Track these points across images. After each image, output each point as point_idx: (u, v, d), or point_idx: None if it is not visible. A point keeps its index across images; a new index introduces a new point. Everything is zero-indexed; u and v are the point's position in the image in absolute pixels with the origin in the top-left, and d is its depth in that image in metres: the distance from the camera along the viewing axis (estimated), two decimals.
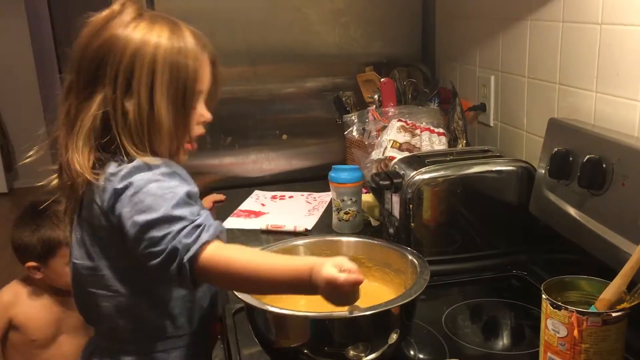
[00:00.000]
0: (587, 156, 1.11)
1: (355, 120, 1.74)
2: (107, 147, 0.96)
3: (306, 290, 0.88)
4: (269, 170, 1.99)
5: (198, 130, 1.06)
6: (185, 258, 0.87)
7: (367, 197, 1.63)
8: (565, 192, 1.19)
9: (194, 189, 0.98)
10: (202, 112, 1.04)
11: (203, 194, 1.88)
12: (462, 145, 1.58)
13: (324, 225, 1.61)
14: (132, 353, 1.05)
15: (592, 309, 0.93)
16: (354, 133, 1.72)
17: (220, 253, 0.89)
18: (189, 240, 0.88)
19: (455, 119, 1.61)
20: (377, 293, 1.11)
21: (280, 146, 1.99)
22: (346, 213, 1.53)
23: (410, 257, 1.08)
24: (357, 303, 0.89)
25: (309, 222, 1.62)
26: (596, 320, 0.89)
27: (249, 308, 0.97)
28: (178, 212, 0.90)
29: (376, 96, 1.81)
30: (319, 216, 1.68)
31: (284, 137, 1.98)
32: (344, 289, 0.83)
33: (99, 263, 1.00)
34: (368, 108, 1.78)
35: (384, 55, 1.98)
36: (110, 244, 0.98)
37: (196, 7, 1.82)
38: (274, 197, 1.85)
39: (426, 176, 1.31)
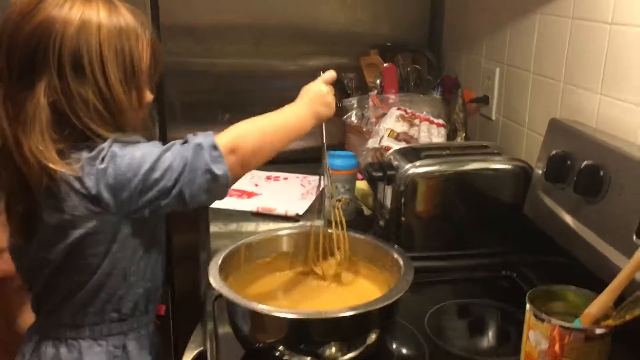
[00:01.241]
0: (585, 162, 1.08)
1: (355, 105, 1.71)
2: (70, 136, 0.92)
3: (307, 119, 1.10)
4: None
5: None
6: (208, 143, 0.95)
7: (362, 185, 1.61)
8: (560, 197, 1.16)
9: None
10: (145, 92, 1.02)
11: None
12: (461, 138, 1.54)
13: (317, 211, 1.58)
14: (86, 338, 1.02)
15: (576, 323, 0.91)
16: (353, 118, 1.69)
17: (233, 130, 1.00)
18: (198, 140, 0.95)
19: (457, 111, 1.57)
20: (360, 290, 1.09)
21: None
22: (339, 200, 1.51)
23: (395, 255, 1.06)
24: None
25: (301, 207, 1.60)
26: (579, 336, 0.87)
27: (228, 301, 0.95)
28: (165, 149, 0.94)
29: (378, 81, 1.77)
30: (311, 200, 1.65)
31: None
32: (324, 89, 1.11)
33: (62, 253, 0.96)
34: (369, 93, 1.74)
35: (390, 38, 1.93)
36: (96, 229, 0.94)
37: None
38: (268, 178, 1.82)
39: (420, 170, 1.28)
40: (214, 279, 0.96)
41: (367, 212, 1.57)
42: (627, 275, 0.88)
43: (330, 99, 1.12)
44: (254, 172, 1.85)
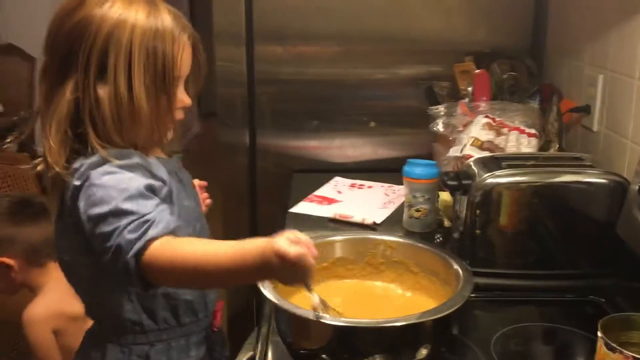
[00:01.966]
0: None
1: (442, 113, 1.63)
2: (82, 138, 0.92)
3: (261, 273, 0.82)
4: (353, 157, 1.94)
5: (178, 115, 1.00)
6: (129, 255, 0.81)
7: (446, 196, 1.53)
8: None
9: (155, 182, 0.92)
10: (181, 97, 0.99)
11: (283, 176, 1.89)
12: (555, 150, 1.42)
13: (396, 220, 1.53)
14: (115, 343, 1.03)
15: None
16: (439, 126, 1.62)
17: (164, 247, 0.82)
18: (133, 236, 0.82)
19: (551, 120, 1.45)
20: (417, 303, 1.03)
21: (367, 133, 1.92)
22: (417, 210, 1.44)
23: (455, 266, 0.99)
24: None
25: (381, 215, 1.55)
26: None
27: (273, 305, 0.93)
28: (127, 205, 0.85)
29: (470, 89, 1.68)
30: (393, 210, 1.60)
31: (372, 124, 1.91)
32: (294, 263, 0.77)
33: (76, 258, 0.99)
34: (460, 101, 1.66)
35: (488, 45, 1.83)
36: (80, 241, 0.93)
37: None
38: (352, 186, 1.79)
39: (498, 180, 1.19)
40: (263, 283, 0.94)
41: (447, 224, 1.49)
42: None
43: (298, 272, 0.80)
44: (338, 179, 1.83)
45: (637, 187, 1.10)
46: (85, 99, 0.91)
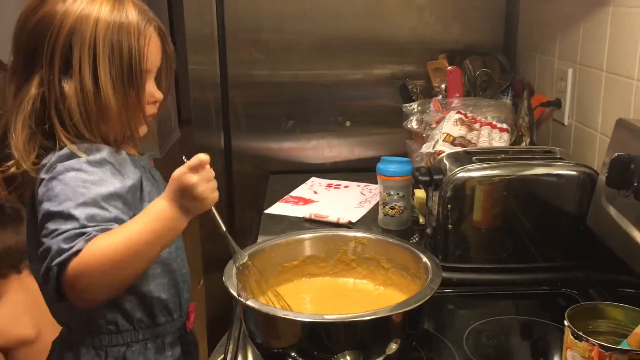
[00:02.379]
0: None
1: (416, 110, 1.63)
2: (51, 134, 0.91)
3: (172, 216, 0.86)
4: (330, 157, 1.93)
5: (150, 109, 1.00)
6: (54, 262, 0.80)
7: (421, 193, 1.53)
8: (624, 205, 1.03)
9: (123, 188, 0.91)
10: (151, 91, 0.98)
11: (259, 178, 1.88)
12: (526, 144, 1.43)
13: (372, 219, 1.53)
14: (89, 346, 1.01)
15: (623, 344, 0.79)
16: (413, 124, 1.62)
17: (89, 247, 0.81)
18: (64, 245, 0.81)
19: (522, 115, 1.46)
20: (388, 298, 1.02)
21: (343, 133, 1.92)
22: (392, 208, 1.44)
23: (424, 259, 0.98)
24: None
25: (356, 215, 1.55)
26: (621, 358, 0.76)
27: (241, 304, 0.92)
28: (77, 211, 0.84)
29: (443, 85, 1.68)
30: (368, 209, 1.59)
31: (347, 123, 1.91)
32: (189, 180, 0.84)
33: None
34: (433, 98, 1.66)
35: (462, 43, 1.84)
36: None
37: None
38: (329, 186, 1.79)
39: (469, 174, 1.19)
40: (229, 280, 0.93)
41: (423, 221, 1.48)
42: None
43: (201, 190, 0.87)
44: (314, 179, 1.83)
45: (604, 178, 1.10)
46: (51, 94, 0.90)
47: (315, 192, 1.73)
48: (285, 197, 1.69)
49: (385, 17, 1.83)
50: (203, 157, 0.86)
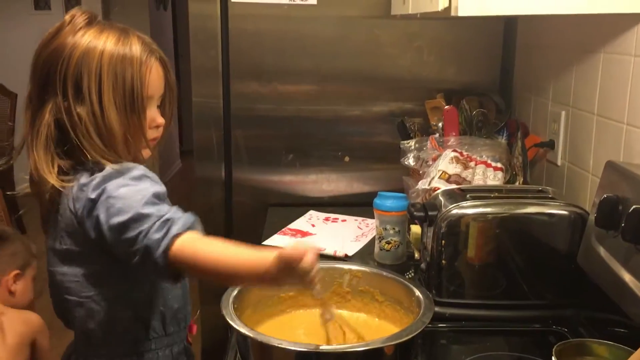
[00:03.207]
0: (634, 206, 0.98)
1: (413, 148, 1.67)
2: (71, 154, 0.99)
3: (270, 277, 0.87)
4: (328, 191, 1.97)
5: (152, 134, 1.07)
6: (157, 254, 0.89)
7: (417, 229, 1.55)
8: (613, 245, 1.06)
9: (162, 189, 0.99)
10: (153, 116, 1.05)
11: (259, 210, 1.91)
12: (520, 183, 1.46)
13: (368, 253, 1.56)
14: (104, 356, 1.06)
15: None
16: (410, 160, 1.65)
17: (188, 245, 0.90)
18: (159, 235, 0.89)
19: (516, 155, 1.49)
20: (382, 331, 1.04)
21: (342, 168, 1.96)
22: (388, 243, 1.47)
23: (417, 293, 1.01)
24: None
25: (353, 248, 1.57)
26: None
27: (236, 332, 0.94)
28: (146, 210, 0.92)
29: (440, 124, 1.73)
30: (365, 243, 1.62)
31: (346, 159, 1.95)
32: (289, 259, 0.83)
33: (73, 269, 1.02)
34: (430, 136, 1.70)
35: (458, 83, 1.89)
36: (84, 250, 1.00)
37: (266, 27, 1.85)
38: (326, 219, 1.81)
39: (463, 211, 1.22)
40: (225, 308, 0.95)
41: (418, 256, 1.51)
42: None
43: (306, 279, 0.87)
44: (313, 212, 1.85)
45: (594, 219, 1.13)
46: (71, 119, 0.97)
47: (313, 225, 1.76)
48: (283, 230, 1.71)
49: (385, 56, 1.88)
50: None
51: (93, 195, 0.95)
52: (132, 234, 0.91)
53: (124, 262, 0.94)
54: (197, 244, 0.91)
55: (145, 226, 0.90)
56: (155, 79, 1.03)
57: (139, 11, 5.00)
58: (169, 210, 0.93)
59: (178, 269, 0.91)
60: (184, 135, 5.75)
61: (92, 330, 1.05)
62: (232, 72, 1.86)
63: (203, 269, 0.91)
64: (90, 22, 1.00)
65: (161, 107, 1.08)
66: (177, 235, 0.89)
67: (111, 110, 0.98)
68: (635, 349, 0.84)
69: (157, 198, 0.95)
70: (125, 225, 0.91)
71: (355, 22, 1.86)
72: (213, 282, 0.96)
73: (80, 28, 0.99)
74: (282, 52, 1.87)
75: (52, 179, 0.96)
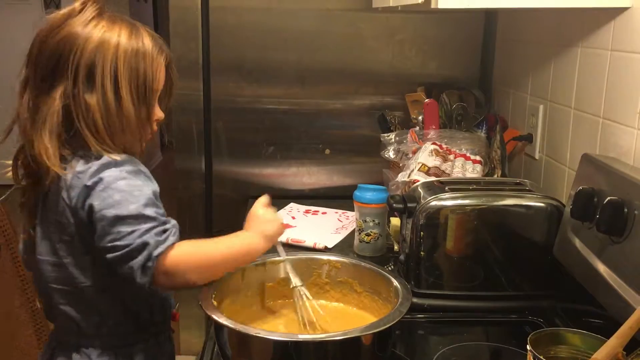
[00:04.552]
0: (609, 198, 1.00)
1: (393, 140, 1.68)
2: (72, 143, 0.99)
3: (255, 245, 1.03)
4: (308, 184, 1.97)
5: (155, 127, 1.09)
6: (155, 252, 0.91)
7: (397, 221, 1.56)
8: (587, 236, 1.08)
9: (157, 187, 1.00)
10: (156, 111, 1.07)
11: (239, 202, 1.90)
12: (498, 176, 1.48)
13: (348, 245, 1.56)
14: (97, 347, 1.05)
15: None
16: (390, 153, 1.66)
17: (182, 251, 0.94)
18: (160, 238, 0.92)
19: (495, 148, 1.51)
20: (360, 321, 1.05)
21: (323, 161, 1.96)
22: (367, 235, 1.47)
23: (395, 283, 1.01)
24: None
25: (332, 240, 1.58)
26: None
27: (214, 322, 0.94)
28: (148, 211, 0.94)
29: (420, 117, 1.74)
30: (345, 235, 1.63)
31: (327, 151, 1.95)
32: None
33: (65, 259, 1.01)
34: (410, 129, 1.71)
35: (439, 77, 1.91)
36: (77, 240, 0.99)
37: (247, 19, 1.84)
38: (307, 212, 1.82)
39: (442, 203, 1.23)
40: (204, 300, 0.95)
41: (397, 248, 1.52)
42: (638, 319, 0.80)
43: (273, 217, 1.10)
44: (293, 205, 1.85)
45: (569, 210, 1.15)
46: (76, 106, 0.97)
47: (294, 218, 1.76)
48: None
49: (366, 50, 1.89)
50: (268, 197, 1.14)
51: (89, 182, 0.95)
52: (127, 229, 0.91)
53: (99, 253, 0.94)
54: (189, 247, 0.96)
55: (144, 226, 0.92)
56: (162, 74, 1.05)
57: (118, 2, 4.94)
58: (169, 220, 0.96)
59: (164, 274, 0.92)
60: (165, 128, 5.72)
61: (80, 322, 1.04)
62: (212, 64, 1.85)
63: (202, 267, 0.97)
64: (101, 13, 1.00)
65: (160, 102, 1.09)
66: (173, 245, 0.93)
67: (128, 98, 0.98)
68: (579, 332, 0.86)
69: (155, 198, 0.97)
70: (121, 219, 0.92)
71: (336, 15, 1.86)
72: (201, 280, 0.99)
73: (93, 18, 0.99)
74: (263, 44, 1.87)
75: (56, 167, 0.95)
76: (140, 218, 0.92)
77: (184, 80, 1.86)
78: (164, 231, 0.93)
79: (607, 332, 0.84)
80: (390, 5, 1.50)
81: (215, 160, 1.92)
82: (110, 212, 0.92)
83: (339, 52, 1.88)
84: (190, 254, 0.96)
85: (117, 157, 0.97)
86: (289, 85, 1.90)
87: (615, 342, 0.81)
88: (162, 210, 0.96)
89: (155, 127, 1.08)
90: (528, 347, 0.85)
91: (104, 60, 0.97)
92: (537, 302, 1.24)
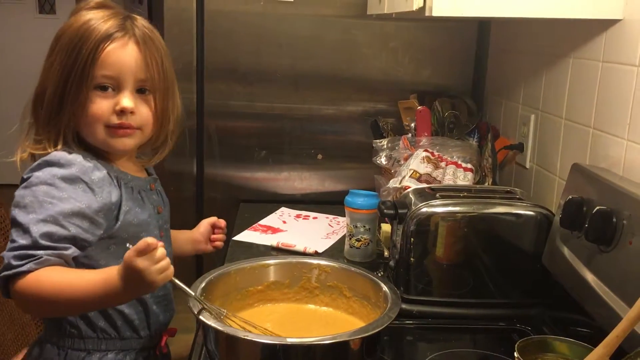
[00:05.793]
0: (598, 207, 1.00)
1: (385, 147, 1.69)
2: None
3: (116, 289, 0.88)
4: (300, 189, 1.97)
5: (113, 119, 1.01)
6: (3, 274, 0.89)
7: (387, 227, 1.57)
8: (576, 245, 1.08)
9: (89, 203, 0.95)
10: (116, 100, 1.00)
11: (230, 205, 1.90)
12: (489, 184, 1.48)
13: (338, 250, 1.56)
14: (55, 345, 1.05)
15: None
16: (382, 160, 1.67)
17: (31, 283, 0.88)
18: (17, 262, 0.89)
19: (486, 156, 1.52)
20: (349, 326, 1.05)
21: (315, 166, 1.96)
22: (358, 240, 1.48)
23: (385, 289, 1.01)
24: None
25: (323, 245, 1.58)
26: None
27: (203, 325, 0.93)
28: (35, 227, 0.90)
29: (412, 124, 1.74)
30: (335, 240, 1.63)
31: (319, 156, 1.95)
32: (137, 265, 0.84)
33: None
34: (403, 136, 1.71)
35: (432, 85, 1.92)
36: None
37: (242, 23, 1.84)
38: (297, 216, 1.82)
39: (432, 210, 1.23)
40: (192, 302, 0.95)
41: (387, 254, 1.52)
42: (625, 327, 0.80)
43: (148, 274, 0.87)
44: (284, 209, 1.86)
45: (559, 219, 1.16)
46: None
47: (284, 222, 1.76)
48: (254, 225, 1.71)
49: (360, 56, 1.89)
50: (150, 240, 0.86)
51: (24, 176, 0.95)
52: (12, 235, 0.90)
53: None
54: (42, 274, 0.89)
55: (17, 243, 0.89)
56: (116, 58, 0.99)
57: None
58: (57, 240, 0.90)
59: (16, 299, 0.90)
60: None
61: (45, 320, 1.05)
62: (206, 67, 1.85)
63: (50, 299, 0.89)
64: (102, 5, 1.03)
65: (153, 98, 1.07)
66: (27, 273, 0.88)
67: (51, 82, 0.98)
68: (567, 341, 0.87)
69: (64, 218, 0.92)
70: (15, 224, 0.91)
71: (331, 21, 1.87)
72: (64, 313, 0.98)
73: (88, 9, 1.03)
74: (257, 48, 1.87)
75: (18, 153, 1.00)
76: (25, 232, 0.90)
77: (178, 83, 1.85)
78: (27, 257, 0.88)
79: (595, 340, 0.85)
80: (385, 12, 1.51)
81: (207, 163, 1.92)
82: (14, 212, 0.92)
83: (332, 58, 1.89)
84: (37, 280, 0.88)
85: (68, 156, 0.96)
86: (283, 90, 1.90)
87: (602, 351, 0.82)
88: (62, 231, 0.91)
89: (115, 120, 1.00)
90: (516, 354, 0.86)
91: (52, 42, 1.00)
92: (525, 310, 1.25)
